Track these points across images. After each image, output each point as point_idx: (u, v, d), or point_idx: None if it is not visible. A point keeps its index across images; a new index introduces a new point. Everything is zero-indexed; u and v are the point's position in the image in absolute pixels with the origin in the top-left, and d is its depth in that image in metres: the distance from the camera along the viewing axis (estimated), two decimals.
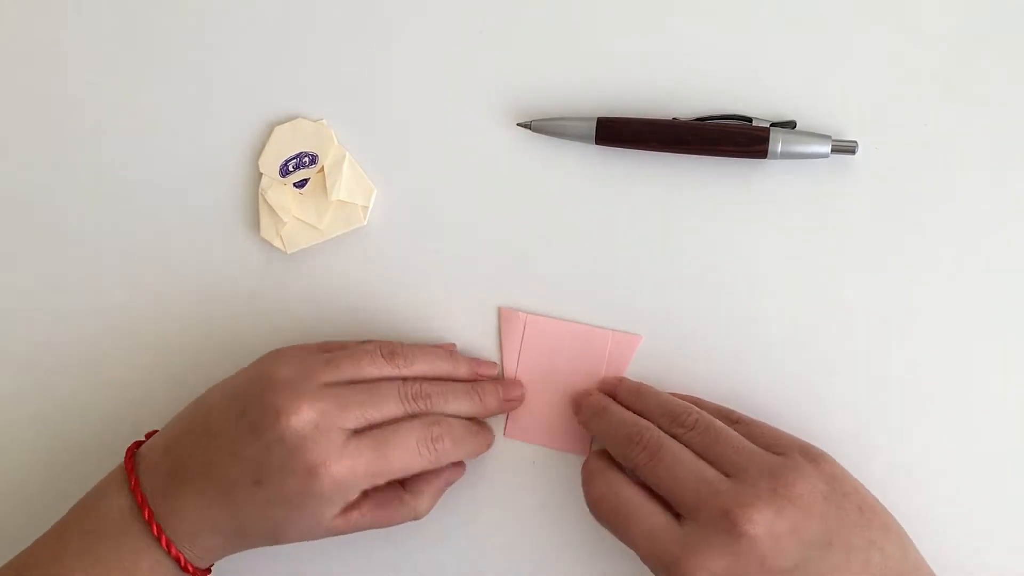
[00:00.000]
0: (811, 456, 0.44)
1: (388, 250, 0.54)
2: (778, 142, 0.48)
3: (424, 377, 0.49)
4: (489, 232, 0.52)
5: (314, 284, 0.54)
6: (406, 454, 0.47)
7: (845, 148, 0.49)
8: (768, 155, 0.49)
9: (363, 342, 0.51)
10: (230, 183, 0.54)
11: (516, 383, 0.52)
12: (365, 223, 0.53)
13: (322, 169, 0.53)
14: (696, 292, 0.51)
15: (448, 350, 0.52)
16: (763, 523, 0.41)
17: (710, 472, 0.43)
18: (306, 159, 0.53)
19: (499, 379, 0.52)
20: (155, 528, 0.46)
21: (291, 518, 0.46)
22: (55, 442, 0.55)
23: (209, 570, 0.49)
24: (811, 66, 0.50)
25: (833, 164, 0.50)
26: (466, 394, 0.50)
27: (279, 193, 0.54)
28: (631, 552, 0.44)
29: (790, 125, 0.49)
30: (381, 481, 0.47)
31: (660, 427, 0.46)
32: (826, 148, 0.49)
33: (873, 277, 0.50)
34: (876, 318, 0.50)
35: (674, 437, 0.46)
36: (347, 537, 0.48)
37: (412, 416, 0.48)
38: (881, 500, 0.45)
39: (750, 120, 0.50)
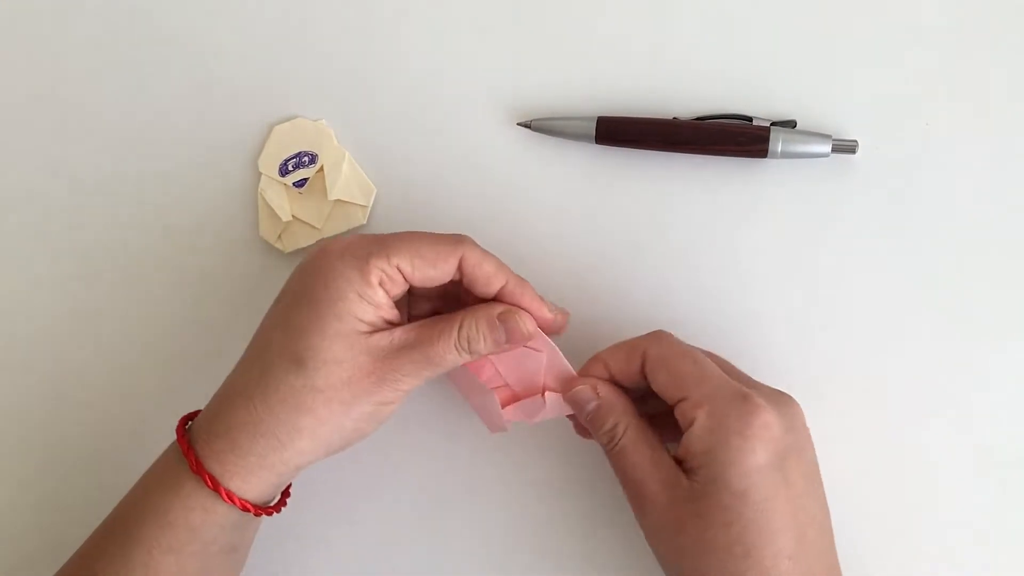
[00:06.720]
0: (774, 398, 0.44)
1: None
2: (778, 142, 0.48)
3: None
4: (489, 232, 0.52)
5: None
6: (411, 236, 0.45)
7: (845, 148, 0.49)
8: (768, 155, 0.49)
9: None
10: (229, 183, 0.54)
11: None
12: (365, 223, 0.53)
13: (321, 169, 0.53)
14: (696, 292, 0.51)
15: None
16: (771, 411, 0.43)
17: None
18: (305, 159, 0.53)
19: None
20: (198, 467, 0.43)
21: (315, 327, 0.43)
22: (54, 443, 0.55)
23: (281, 504, 0.47)
24: (811, 66, 0.50)
25: (833, 164, 0.50)
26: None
27: (278, 193, 0.53)
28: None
29: (790, 125, 0.49)
30: (389, 262, 0.44)
31: None
32: (826, 148, 0.49)
33: (873, 276, 0.50)
34: (876, 318, 0.50)
35: None
36: (344, 534, 0.47)
37: None
38: (882, 498, 0.46)
39: (750, 120, 0.50)
